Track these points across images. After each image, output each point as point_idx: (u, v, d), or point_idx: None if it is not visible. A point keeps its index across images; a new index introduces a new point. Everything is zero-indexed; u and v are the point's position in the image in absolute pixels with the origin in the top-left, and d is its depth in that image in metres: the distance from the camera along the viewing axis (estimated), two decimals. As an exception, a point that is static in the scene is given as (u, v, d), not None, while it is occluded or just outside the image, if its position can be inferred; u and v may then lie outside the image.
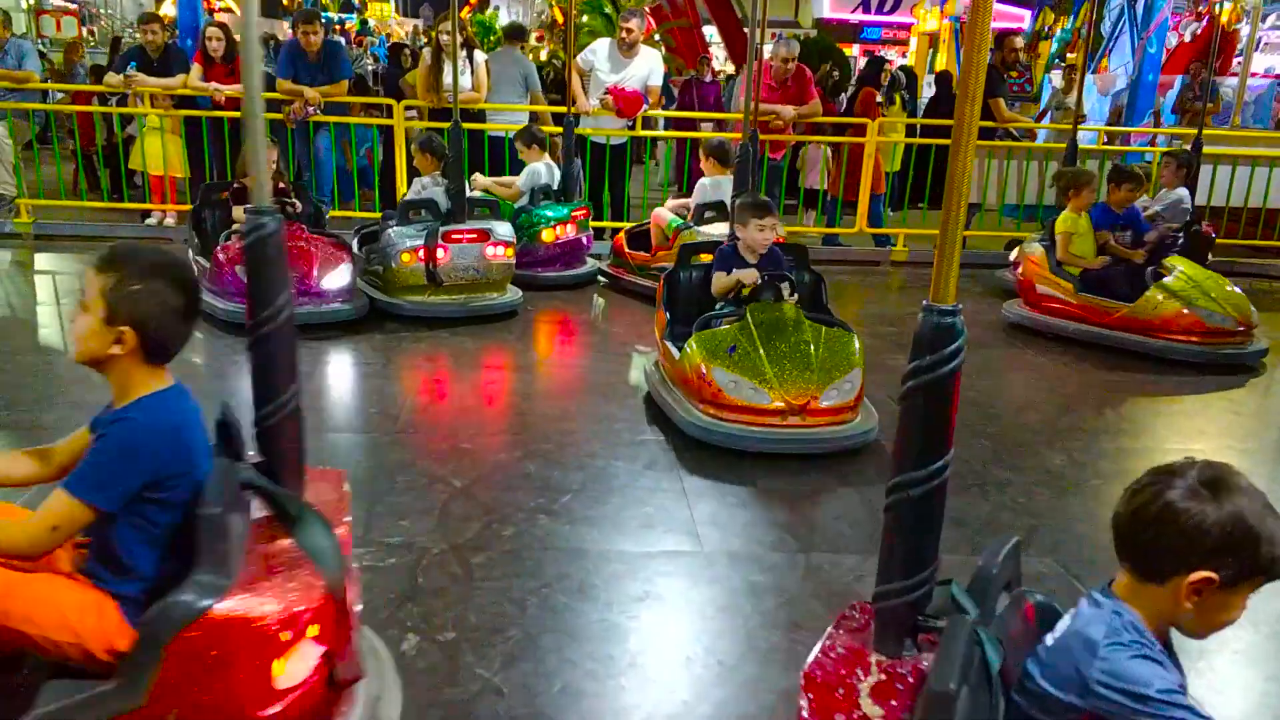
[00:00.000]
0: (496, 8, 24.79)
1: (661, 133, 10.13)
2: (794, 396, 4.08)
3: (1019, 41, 9.03)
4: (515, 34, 9.62)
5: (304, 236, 5.86)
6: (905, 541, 1.73)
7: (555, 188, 7.20)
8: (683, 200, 7.30)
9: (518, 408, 4.82)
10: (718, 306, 4.51)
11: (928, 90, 13.84)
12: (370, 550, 3.21)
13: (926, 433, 1.69)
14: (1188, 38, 15.28)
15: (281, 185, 6.15)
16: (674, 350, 4.46)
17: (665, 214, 6.94)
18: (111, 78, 8.12)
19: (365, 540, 3.27)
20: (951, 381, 1.66)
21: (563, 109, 7.66)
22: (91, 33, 21.68)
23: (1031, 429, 4.75)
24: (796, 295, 4.48)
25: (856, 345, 4.32)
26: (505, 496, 3.68)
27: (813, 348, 4.21)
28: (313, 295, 5.66)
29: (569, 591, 3.02)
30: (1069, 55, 17.70)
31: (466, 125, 7.93)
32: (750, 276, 4.42)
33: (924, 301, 1.68)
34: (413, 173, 7.26)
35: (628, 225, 7.50)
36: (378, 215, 7.32)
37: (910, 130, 9.55)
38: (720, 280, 4.52)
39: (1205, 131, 7.20)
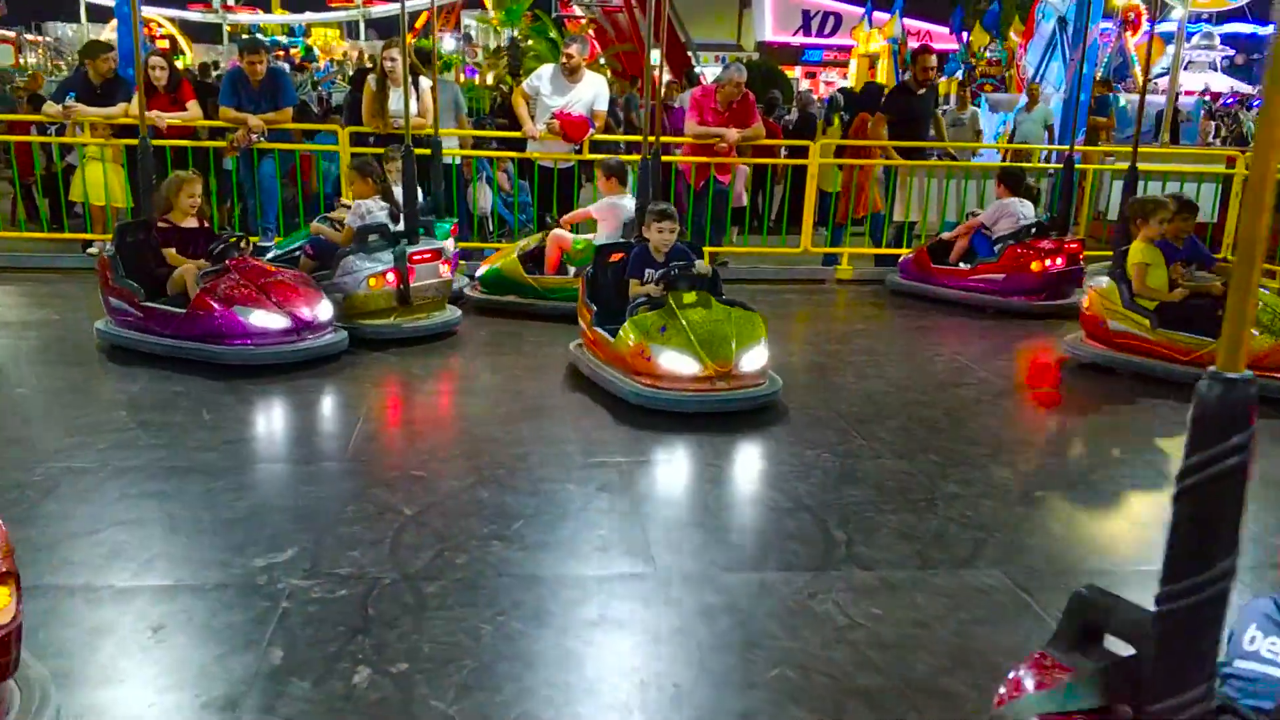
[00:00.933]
0: (442, 35, 24.78)
1: (607, 156, 10.15)
2: (719, 364, 4.83)
3: (933, 59, 9.24)
4: (427, 59, 9.65)
5: (276, 270, 5.73)
6: (1182, 649, 1.43)
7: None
8: (578, 212, 7.48)
9: (468, 432, 4.79)
10: (635, 299, 5.23)
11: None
12: (319, 582, 3.18)
13: (1214, 528, 1.36)
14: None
15: (206, 223, 6.04)
16: (607, 335, 5.14)
17: (567, 236, 7.00)
18: (50, 107, 7.98)
19: (314, 572, 3.23)
20: (1247, 462, 1.32)
21: (515, 134, 7.73)
22: (58, 66, 21.28)
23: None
24: (708, 269, 5.34)
25: (760, 321, 5.08)
26: (458, 524, 3.66)
27: (727, 325, 4.94)
28: (313, 329, 5.52)
29: (524, 618, 3.01)
30: (1007, 74, 18.12)
31: (416, 150, 7.97)
32: (656, 290, 5.16)
33: (1208, 370, 1.33)
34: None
35: (517, 246, 7.33)
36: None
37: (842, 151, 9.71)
38: (635, 286, 5.36)
39: (1140, 149, 7.41)
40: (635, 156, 8.47)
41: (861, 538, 3.64)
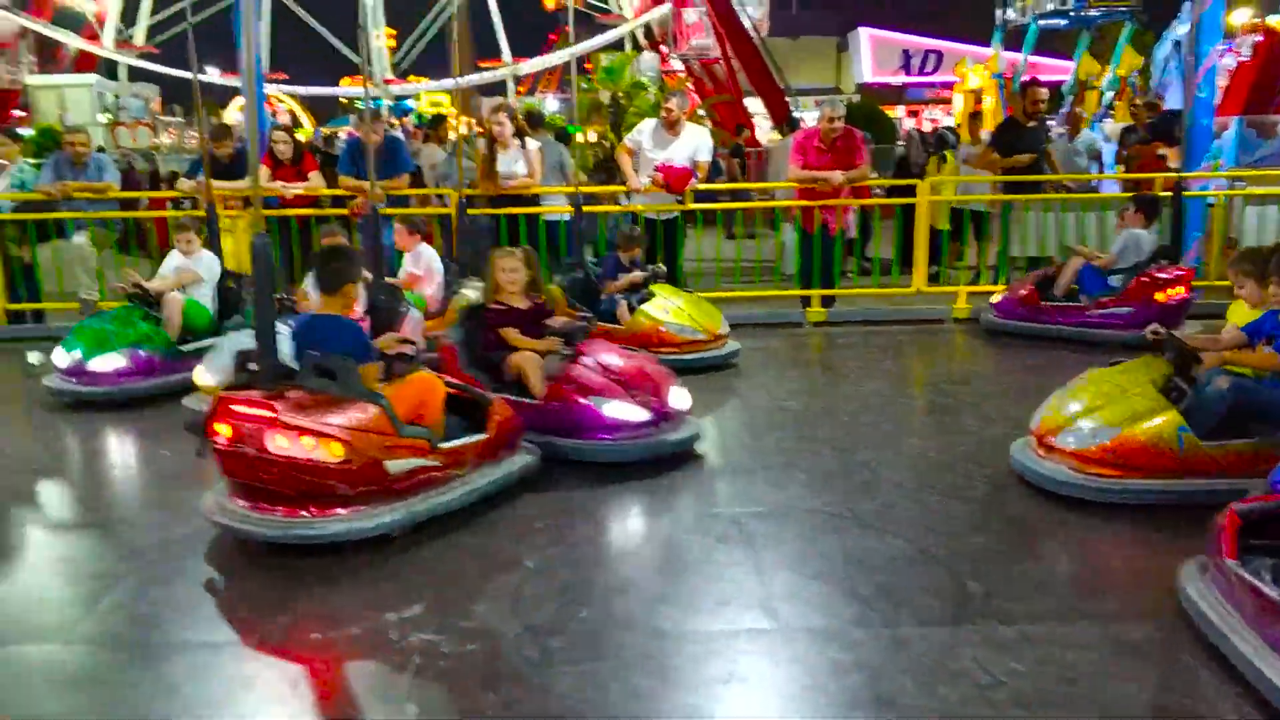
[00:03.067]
0: (543, 96, 25.48)
1: (712, 205, 10.22)
2: (707, 329, 6.70)
3: (1043, 93, 9.00)
4: (537, 122, 9.91)
5: (628, 355, 5.18)
6: None
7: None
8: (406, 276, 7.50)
9: (577, 483, 4.76)
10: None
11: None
12: (446, 636, 3.21)
13: None
14: (1246, 53, 14.94)
15: (541, 300, 5.44)
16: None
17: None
18: (184, 183, 8.46)
19: (441, 626, 3.27)
20: None
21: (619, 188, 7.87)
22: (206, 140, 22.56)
23: None
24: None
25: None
26: (579, 576, 3.67)
27: (698, 304, 6.96)
28: (669, 419, 4.92)
29: (650, 674, 2.98)
30: (1118, 103, 17.62)
31: (521, 210, 8.18)
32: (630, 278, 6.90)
33: None
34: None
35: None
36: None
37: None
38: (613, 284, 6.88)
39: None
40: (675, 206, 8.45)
41: (998, 589, 3.50)
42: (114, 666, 3.08)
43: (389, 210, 8.33)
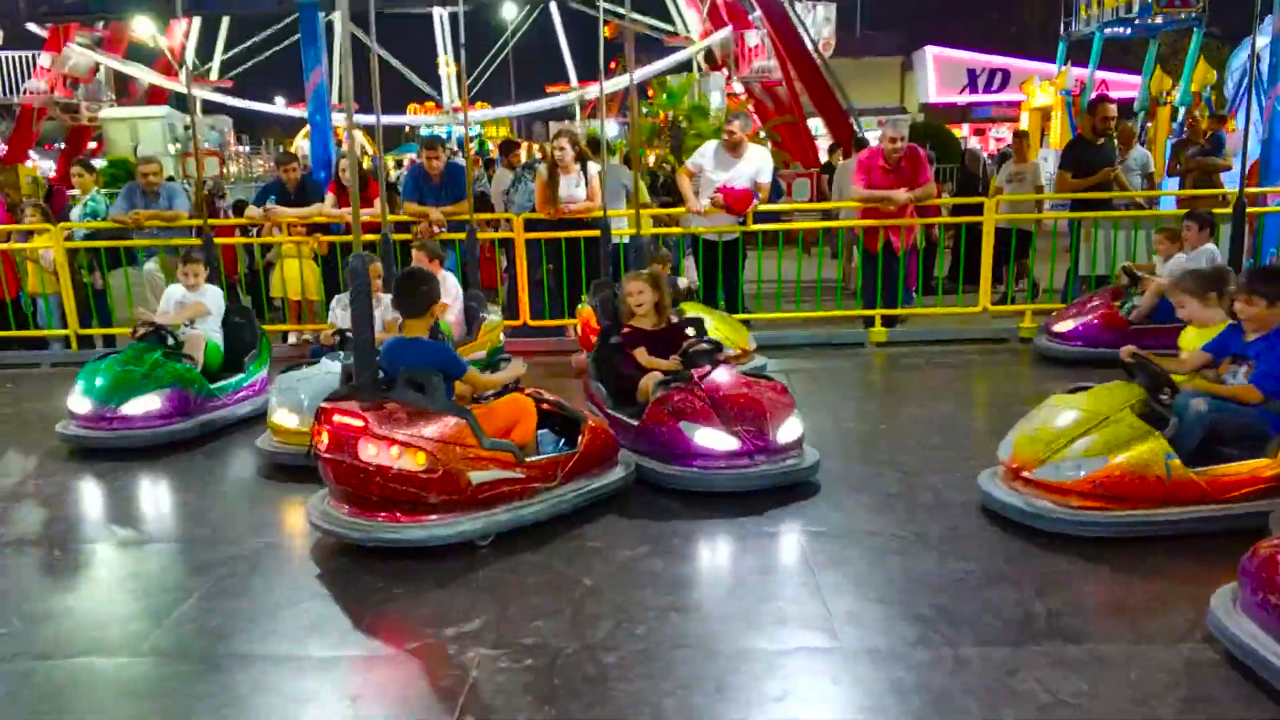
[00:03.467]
0: (591, 127, 25.68)
1: (774, 225, 10.17)
2: (739, 344, 6.44)
3: (1111, 108, 8.80)
4: (597, 146, 9.97)
5: (750, 383, 4.95)
6: None
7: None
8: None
9: (651, 505, 4.75)
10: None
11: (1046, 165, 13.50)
12: (505, 652, 3.22)
13: None
14: None
15: (675, 321, 5.49)
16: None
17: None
18: (252, 210, 8.69)
19: (499, 642, 3.28)
20: None
21: (678, 209, 7.82)
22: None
23: None
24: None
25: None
26: (635, 594, 3.66)
27: (726, 320, 6.45)
28: (771, 452, 4.64)
29: (706, 693, 2.95)
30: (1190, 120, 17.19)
31: (583, 233, 8.24)
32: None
33: None
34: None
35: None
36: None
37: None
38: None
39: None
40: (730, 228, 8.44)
41: (1065, 609, 3.41)
42: (181, 678, 3.14)
43: (448, 235, 8.48)
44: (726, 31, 22.85)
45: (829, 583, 3.70)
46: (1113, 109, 8.87)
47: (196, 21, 27.89)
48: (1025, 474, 4.15)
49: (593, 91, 28.83)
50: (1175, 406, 4.14)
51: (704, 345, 5.05)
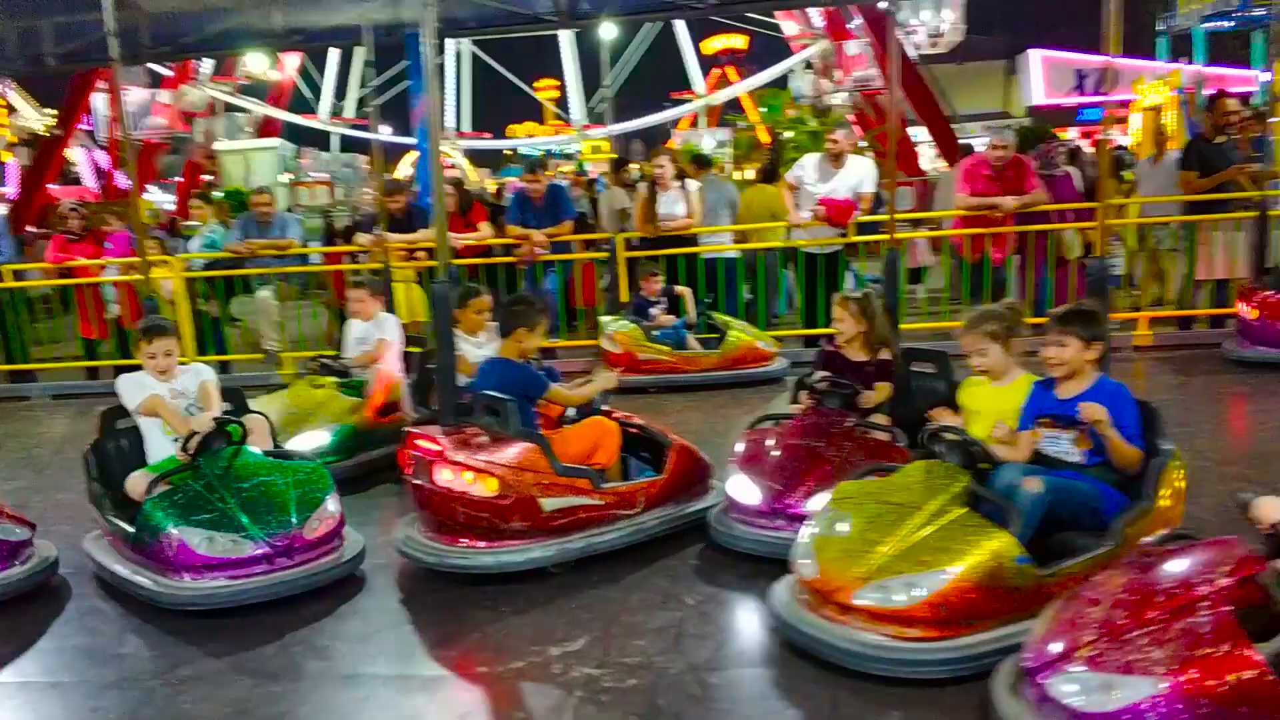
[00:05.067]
0: (687, 140, 25.74)
1: (877, 237, 10.03)
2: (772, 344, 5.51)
3: (1231, 104, 8.37)
4: (704, 163, 9.98)
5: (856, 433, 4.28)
6: None
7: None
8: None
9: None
10: None
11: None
12: (608, 670, 3.21)
13: None
14: None
15: (884, 355, 4.74)
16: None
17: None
18: (362, 237, 8.95)
19: (603, 661, 3.28)
20: None
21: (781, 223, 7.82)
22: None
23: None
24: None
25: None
26: (739, 616, 3.62)
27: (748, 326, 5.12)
28: (786, 516, 3.99)
29: (815, 712, 2.90)
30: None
31: (680, 250, 8.26)
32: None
33: None
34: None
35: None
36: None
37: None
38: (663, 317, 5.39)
39: None
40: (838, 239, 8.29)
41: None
42: (291, 697, 3.21)
43: (552, 256, 8.58)
44: (824, 42, 22.68)
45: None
46: (1234, 104, 8.46)
47: (334, 62, 29.23)
48: (842, 599, 3.14)
49: (720, 98, 28.81)
50: (998, 489, 3.32)
51: (847, 389, 4.47)
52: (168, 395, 4.43)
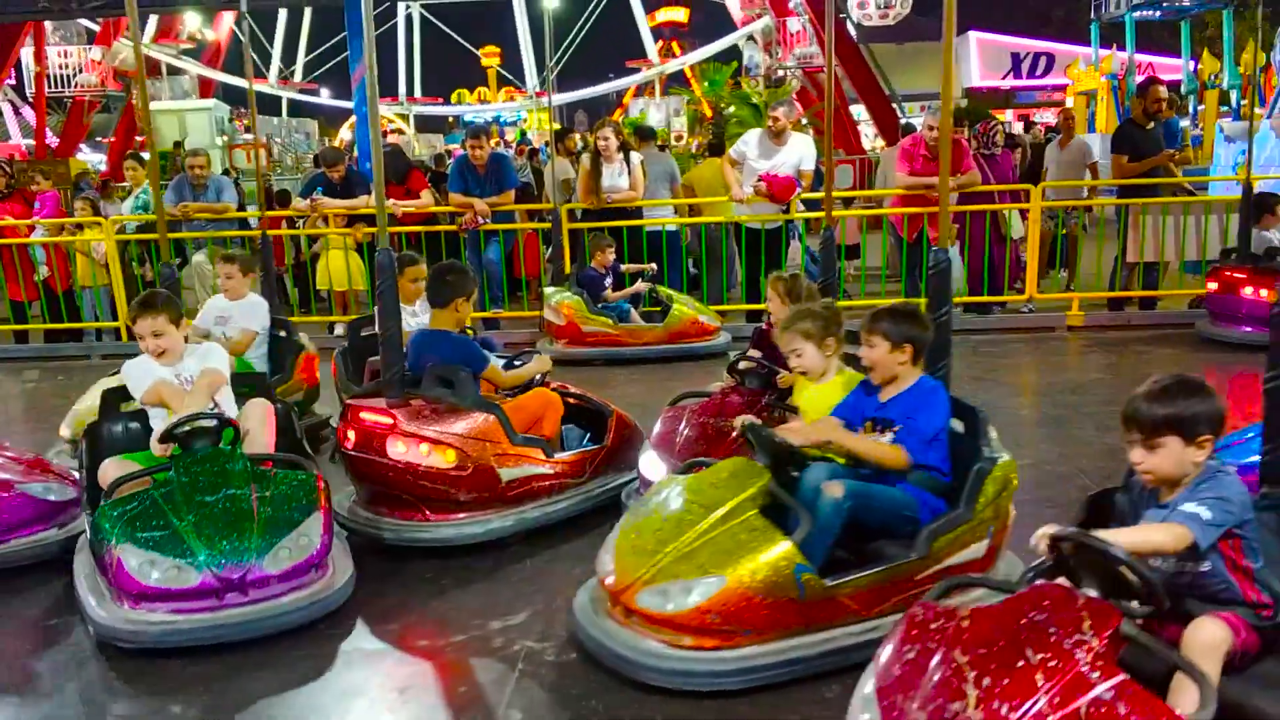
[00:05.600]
0: (643, 110, 25.62)
1: (817, 214, 10.12)
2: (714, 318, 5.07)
3: (1162, 90, 8.60)
4: (647, 135, 9.98)
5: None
6: None
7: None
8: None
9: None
10: None
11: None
12: (550, 644, 3.23)
13: None
14: None
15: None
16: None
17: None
18: (298, 202, 8.79)
19: (545, 634, 3.29)
20: None
21: (722, 198, 7.83)
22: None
23: None
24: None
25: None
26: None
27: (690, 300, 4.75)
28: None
29: (764, 689, 2.95)
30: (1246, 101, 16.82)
31: (625, 223, 8.25)
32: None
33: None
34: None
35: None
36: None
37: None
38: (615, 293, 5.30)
39: None
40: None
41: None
42: (231, 670, 3.17)
43: (494, 225, 8.51)
44: (767, 19, 22.70)
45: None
46: (1164, 91, 8.67)
47: (283, 23, 28.49)
48: (628, 601, 2.98)
49: (672, 67, 28.69)
50: (801, 493, 3.15)
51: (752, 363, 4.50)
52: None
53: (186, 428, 3.58)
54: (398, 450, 3.89)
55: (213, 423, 3.64)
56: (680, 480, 3.28)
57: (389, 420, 3.93)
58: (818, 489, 3.09)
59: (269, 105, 30.00)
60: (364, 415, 4.02)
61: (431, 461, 3.87)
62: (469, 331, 4.67)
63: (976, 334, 8.02)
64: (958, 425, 3.37)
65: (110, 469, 3.66)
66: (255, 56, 28.72)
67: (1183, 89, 19.17)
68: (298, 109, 30.46)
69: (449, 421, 3.95)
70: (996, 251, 8.44)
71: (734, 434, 3.36)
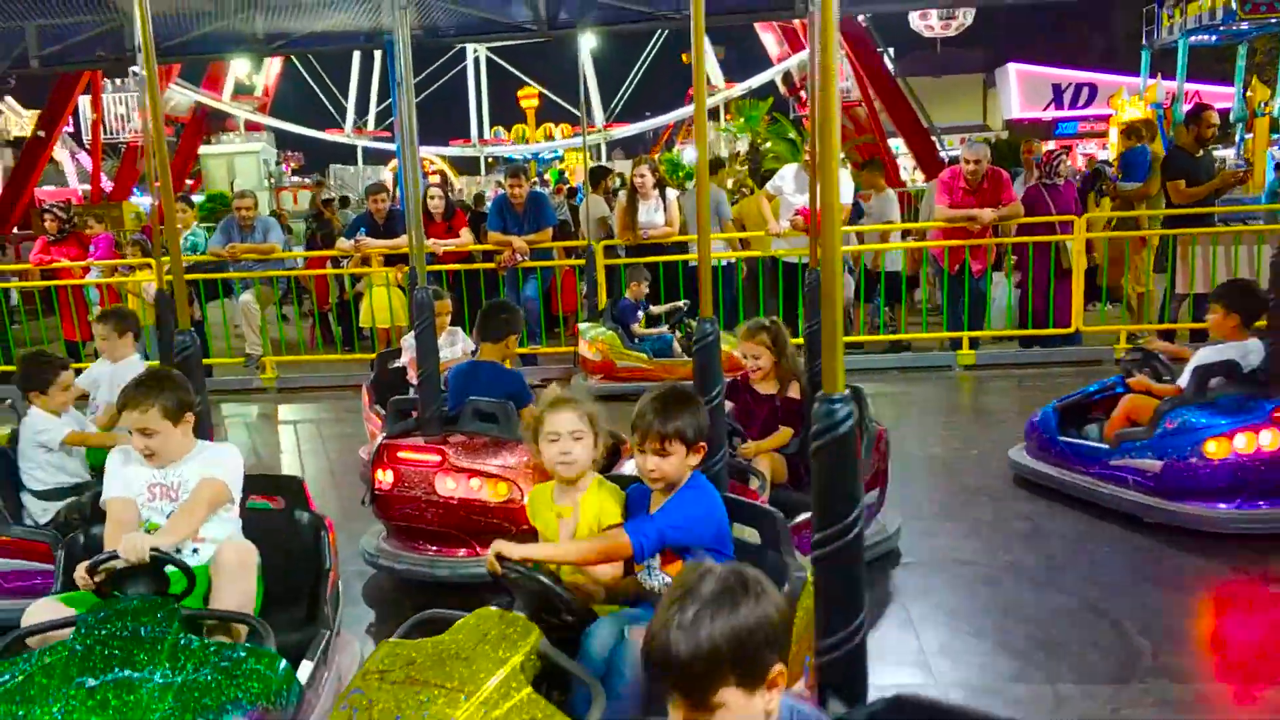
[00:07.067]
0: (681, 148, 25.81)
1: (857, 247, 10.08)
2: None
3: (1214, 117, 8.46)
4: (717, 166, 10.05)
5: None
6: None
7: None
8: None
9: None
10: None
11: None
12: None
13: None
14: None
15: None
16: None
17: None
18: (343, 242, 8.92)
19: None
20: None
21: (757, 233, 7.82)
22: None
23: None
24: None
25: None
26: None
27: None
28: None
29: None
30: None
31: (662, 258, 8.28)
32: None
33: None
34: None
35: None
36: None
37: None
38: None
39: None
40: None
41: (1169, 646, 3.27)
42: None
43: (532, 263, 8.58)
44: (804, 54, 22.80)
45: (919, 614, 3.62)
46: (1215, 118, 8.55)
47: (356, 70, 29.29)
48: None
49: (736, 92, 28.89)
50: (588, 652, 2.38)
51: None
52: (143, 491, 2.91)
53: (121, 564, 2.62)
54: (447, 486, 3.91)
55: (178, 563, 2.69)
56: (406, 649, 2.27)
57: (437, 457, 3.96)
58: (616, 644, 2.35)
59: (345, 154, 30.72)
60: (405, 454, 4.04)
61: (484, 495, 3.88)
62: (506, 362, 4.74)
63: (1022, 368, 7.91)
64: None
65: (37, 611, 2.67)
66: (330, 106, 29.49)
67: (1232, 116, 18.90)
68: (373, 156, 31.05)
69: (498, 455, 3.97)
70: (1057, 284, 8.31)
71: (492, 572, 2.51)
